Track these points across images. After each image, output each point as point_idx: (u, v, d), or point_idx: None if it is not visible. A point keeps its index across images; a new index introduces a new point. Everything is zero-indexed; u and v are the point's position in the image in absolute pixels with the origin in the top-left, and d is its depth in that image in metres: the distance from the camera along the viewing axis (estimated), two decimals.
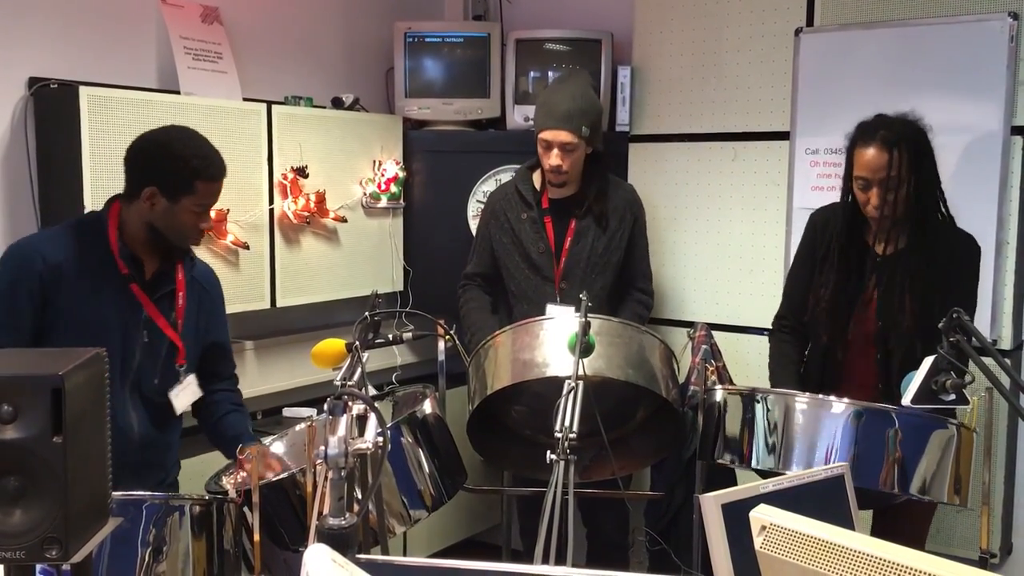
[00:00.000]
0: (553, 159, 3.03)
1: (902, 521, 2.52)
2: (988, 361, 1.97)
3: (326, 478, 1.46)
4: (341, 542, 1.10)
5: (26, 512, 1.26)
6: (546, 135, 3.04)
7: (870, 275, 2.56)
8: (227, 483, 2.43)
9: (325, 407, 1.39)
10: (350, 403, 1.36)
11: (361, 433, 1.39)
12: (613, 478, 2.75)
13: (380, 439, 1.36)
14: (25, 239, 2.35)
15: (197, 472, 2.82)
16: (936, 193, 2.52)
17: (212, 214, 2.44)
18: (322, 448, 1.25)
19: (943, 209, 2.55)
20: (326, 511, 1.44)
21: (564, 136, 3.02)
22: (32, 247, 2.28)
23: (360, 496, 1.72)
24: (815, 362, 2.67)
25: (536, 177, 3.20)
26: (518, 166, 3.32)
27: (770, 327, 2.85)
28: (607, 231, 3.14)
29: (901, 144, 2.42)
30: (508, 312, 3.23)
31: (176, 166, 2.25)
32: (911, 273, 2.48)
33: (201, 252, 2.99)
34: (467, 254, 3.37)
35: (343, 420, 1.33)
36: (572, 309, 3.03)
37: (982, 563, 2.11)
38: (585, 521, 3.28)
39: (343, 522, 1.12)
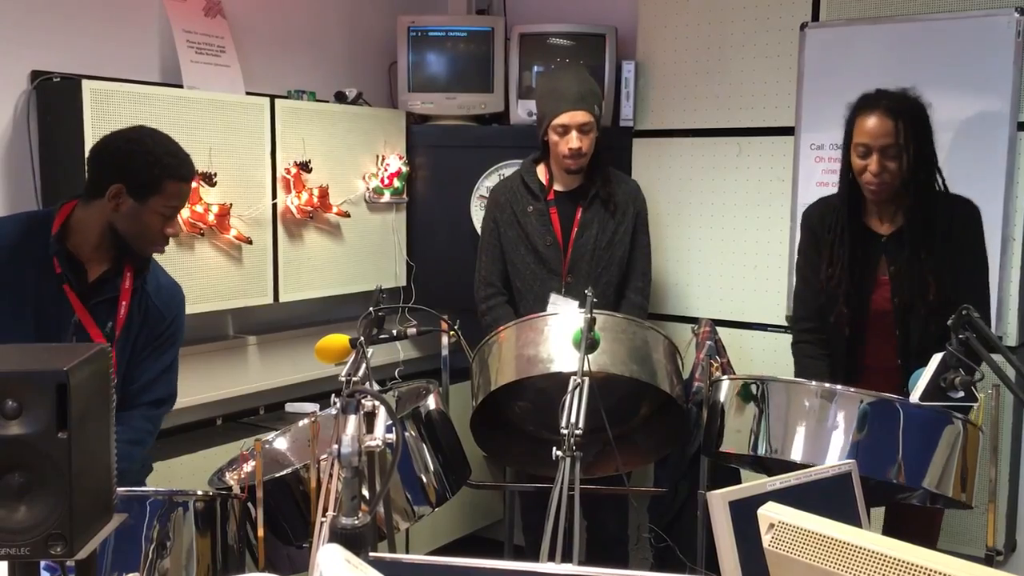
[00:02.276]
0: (573, 142, 3.01)
1: (913, 519, 2.51)
2: (996, 358, 1.96)
3: (331, 475, 1.45)
4: (355, 542, 1.09)
5: (31, 508, 1.25)
6: (562, 119, 3.01)
7: (878, 255, 2.55)
8: (230, 479, 2.43)
9: (338, 405, 1.38)
10: (363, 401, 1.35)
11: (370, 430, 1.38)
12: (617, 474, 2.74)
13: (392, 436, 1.35)
14: None
15: (200, 467, 2.83)
16: (934, 168, 2.52)
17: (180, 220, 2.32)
18: (335, 447, 1.24)
19: (940, 181, 2.55)
20: (331, 508, 1.44)
21: (581, 116, 3.00)
22: None
23: (366, 494, 1.72)
24: (837, 351, 2.62)
25: (541, 170, 3.19)
26: (521, 161, 3.31)
27: (790, 335, 2.76)
28: (614, 218, 3.13)
29: (904, 114, 2.43)
30: (515, 308, 3.21)
31: (146, 163, 2.14)
32: (919, 247, 2.48)
33: (204, 247, 2.99)
34: (470, 249, 3.35)
35: (353, 418, 1.32)
36: (576, 302, 3.03)
37: (988, 560, 2.10)
38: (586, 516, 3.28)
39: (356, 522, 1.11)
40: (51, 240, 2.17)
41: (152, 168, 2.14)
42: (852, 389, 2.23)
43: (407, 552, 3.09)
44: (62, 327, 2.19)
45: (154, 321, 2.32)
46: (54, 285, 2.18)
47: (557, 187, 3.16)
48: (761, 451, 2.32)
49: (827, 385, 2.27)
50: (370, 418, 1.40)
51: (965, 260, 2.51)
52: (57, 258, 2.17)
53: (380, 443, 1.32)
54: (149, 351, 2.33)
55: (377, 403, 1.40)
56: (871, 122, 2.44)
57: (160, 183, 2.15)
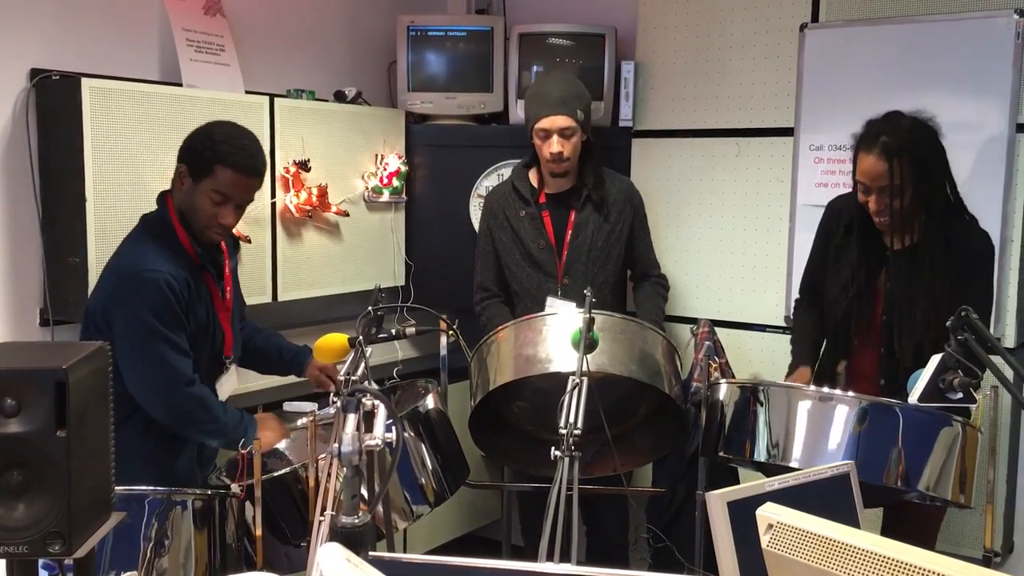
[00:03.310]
0: (554, 146, 3.02)
1: (912, 520, 2.51)
2: (994, 359, 1.96)
3: (329, 474, 1.45)
4: (355, 541, 1.09)
5: (29, 506, 1.25)
6: (543, 123, 3.02)
7: (880, 269, 2.54)
8: (228, 478, 2.43)
9: (339, 404, 1.38)
10: (364, 400, 1.35)
11: (369, 429, 1.37)
12: (615, 474, 2.74)
13: (391, 436, 1.35)
14: (140, 266, 2.28)
15: None
16: (945, 195, 2.47)
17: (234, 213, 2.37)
18: (335, 445, 1.24)
19: (961, 205, 2.51)
20: (330, 507, 1.44)
21: (562, 121, 3.01)
22: (157, 272, 2.25)
23: (365, 493, 1.72)
24: (825, 350, 2.66)
25: (532, 174, 3.20)
26: (519, 161, 3.31)
27: (796, 297, 2.90)
28: (608, 220, 3.13)
29: (903, 153, 2.36)
30: (512, 311, 3.21)
31: (203, 145, 2.30)
32: (921, 269, 2.45)
33: None
34: (469, 248, 3.35)
35: (353, 417, 1.32)
36: (573, 304, 3.03)
37: (986, 562, 2.11)
38: (585, 519, 3.27)
39: (356, 520, 1.11)
40: (187, 234, 2.33)
41: (206, 152, 2.29)
42: (850, 393, 2.24)
43: (404, 551, 3.09)
44: (211, 310, 2.40)
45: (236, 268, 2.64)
46: (201, 275, 2.37)
47: (548, 190, 3.17)
48: (759, 456, 2.33)
49: (825, 390, 2.29)
50: (369, 417, 1.40)
51: (970, 293, 2.43)
52: (193, 249, 2.35)
53: (380, 442, 1.32)
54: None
55: (376, 402, 1.40)
56: (868, 163, 2.40)
57: (211, 166, 2.28)
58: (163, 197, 2.41)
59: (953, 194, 2.51)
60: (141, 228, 2.42)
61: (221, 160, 2.28)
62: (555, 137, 3.01)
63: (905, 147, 2.37)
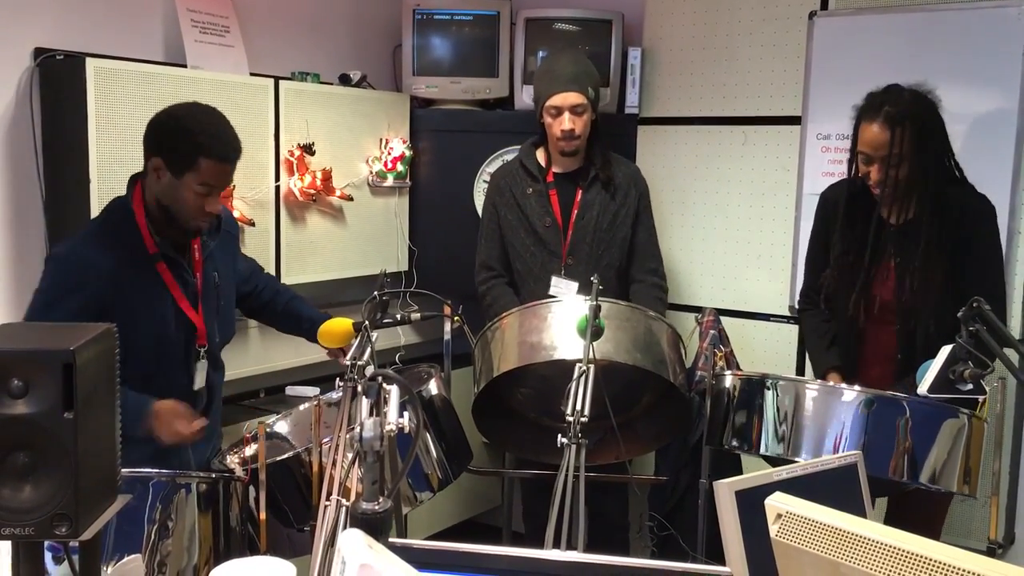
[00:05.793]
0: (565, 123, 3.00)
1: (917, 511, 2.51)
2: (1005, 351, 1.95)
3: (334, 459, 1.44)
4: (375, 527, 1.08)
5: (36, 488, 1.24)
6: (555, 100, 3.00)
7: (885, 245, 2.54)
8: (232, 461, 2.42)
9: (359, 389, 1.37)
10: (384, 384, 1.35)
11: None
12: (617, 462, 2.73)
13: (404, 421, 1.35)
14: (69, 247, 2.25)
15: None
16: (944, 166, 2.50)
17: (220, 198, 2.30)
18: (357, 430, 1.23)
19: (957, 176, 2.53)
20: (335, 492, 1.43)
21: (574, 98, 2.99)
22: (81, 257, 2.19)
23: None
24: (839, 335, 2.66)
25: (540, 153, 3.18)
26: (526, 141, 3.29)
27: (797, 306, 2.92)
28: (615, 199, 3.12)
29: (905, 122, 2.38)
30: (515, 292, 3.20)
31: (182, 139, 2.20)
32: (926, 241, 2.46)
33: None
34: (473, 234, 3.34)
35: (368, 402, 1.31)
36: (577, 284, 3.02)
37: (990, 553, 2.11)
38: (586, 502, 3.27)
39: (377, 507, 1.11)
40: (146, 220, 2.26)
41: (186, 145, 2.20)
42: (856, 387, 2.25)
43: (405, 537, 3.08)
44: (166, 303, 2.30)
45: (235, 245, 2.58)
46: (153, 265, 2.27)
47: (556, 169, 3.15)
48: (765, 449, 2.33)
49: (831, 383, 2.30)
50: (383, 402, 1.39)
51: (975, 258, 2.48)
52: (152, 236, 2.26)
53: (394, 427, 1.31)
54: (238, 258, 2.60)
55: (387, 386, 1.39)
56: (871, 131, 2.42)
57: (194, 160, 2.19)
58: (132, 182, 2.32)
59: (952, 164, 2.53)
60: (100, 214, 2.37)
61: (203, 153, 2.18)
62: (566, 114, 3.00)
63: (908, 116, 2.40)
